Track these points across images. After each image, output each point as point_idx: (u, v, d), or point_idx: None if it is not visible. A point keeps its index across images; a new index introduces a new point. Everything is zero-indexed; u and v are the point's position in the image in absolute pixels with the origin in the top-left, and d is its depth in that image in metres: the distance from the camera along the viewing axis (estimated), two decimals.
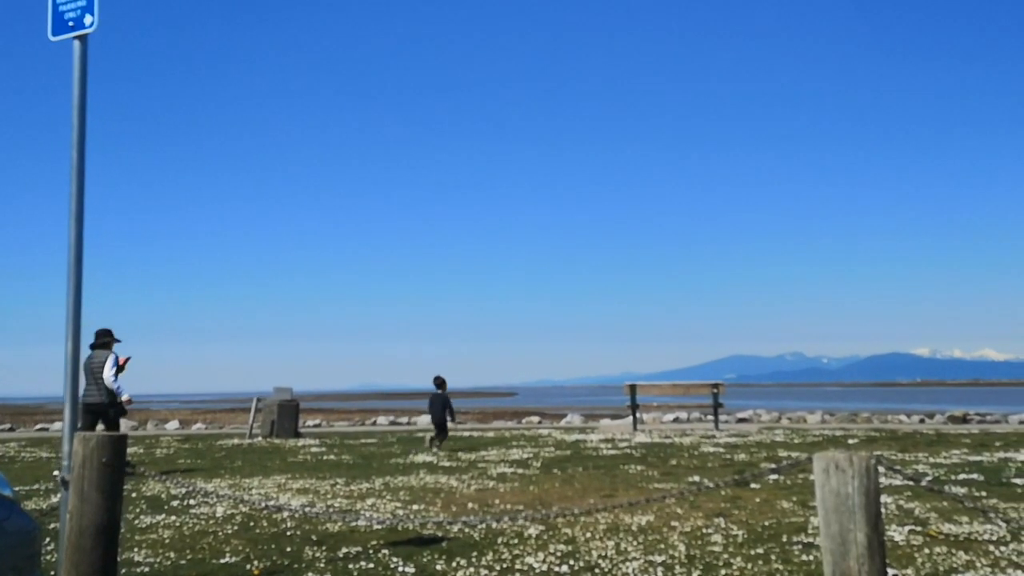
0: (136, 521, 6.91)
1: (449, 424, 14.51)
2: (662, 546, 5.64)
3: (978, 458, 11.01)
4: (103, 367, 9.85)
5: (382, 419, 24.58)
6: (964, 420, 20.87)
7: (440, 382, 14.46)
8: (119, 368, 9.93)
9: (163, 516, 7.11)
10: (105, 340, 10.14)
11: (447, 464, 11.23)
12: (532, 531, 6.16)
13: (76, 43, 4.74)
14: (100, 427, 9.78)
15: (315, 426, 23.16)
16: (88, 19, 4.65)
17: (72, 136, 4.66)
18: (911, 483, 8.41)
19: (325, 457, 12.64)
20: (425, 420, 23.81)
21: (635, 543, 5.74)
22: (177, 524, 6.74)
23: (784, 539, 5.79)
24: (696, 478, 9.34)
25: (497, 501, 7.76)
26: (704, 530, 6.14)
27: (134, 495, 8.33)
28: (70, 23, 4.71)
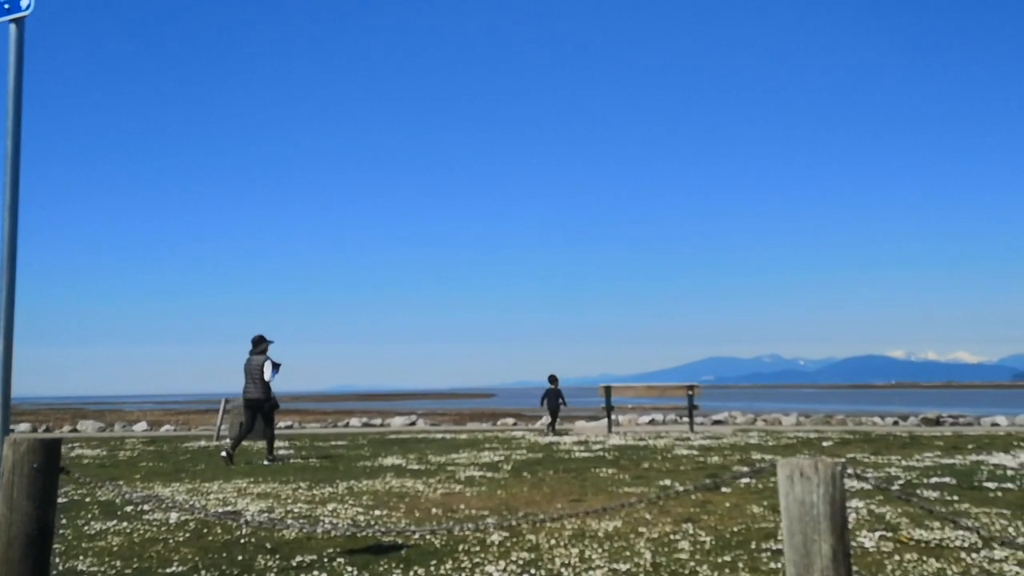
0: (86, 527, 6.65)
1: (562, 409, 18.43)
2: (628, 553, 5.47)
3: (951, 461, 10.95)
4: (261, 368, 12.00)
5: (355, 421, 24.30)
6: (937, 422, 20.89)
7: (553, 379, 18.35)
8: (276, 369, 12.10)
9: (114, 522, 6.85)
10: (262, 347, 12.23)
11: (415, 467, 11.02)
12: (495, 538, 5.97)
13: (12, 27, 4.51)
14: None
15: (286, 427, 22.86)
16: (24, 1, 4.42)
17: (7, 124, 4.42)
18: (883, 486, 8.32)
19: (292, 460, 12.39)
20: (398, 422, 23.63)
21: (600, 550, 5.57)
22: (128, 531, 6.49)
23: (753, 546, 5.64)
24: (667, 482, 9.19)
25: (462, 506, 7.56)
26: (672, 536, 5.98)
27: (87, 500, 8.07)
28: (5, 5, 4.47)
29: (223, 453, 11.77)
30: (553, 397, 18.15)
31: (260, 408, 12.19)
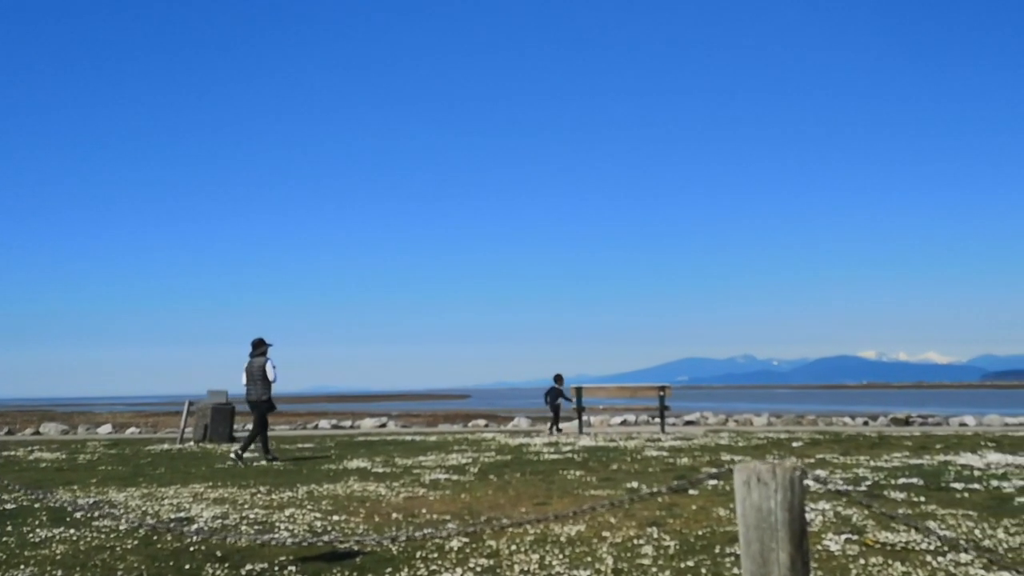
0: (30, 535, 6.42)
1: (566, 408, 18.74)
2: (589, 559, 5.33)
3: (919, 461, 10.92)
4: (262, 369, 12.47)
5: (324, 423, 23.99)
6: (907, 422, 20.97)
7: (557, 378, 18.71)
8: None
9: (61, 529, 6.61)
10: (262, 349, 12.63)
11: (380, 470, 10.82)
12: (455, 544, 5.80)
13: None
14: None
15: None
16: None
17: None
18: (849, 489, 8.24)
19: (255, 463, 12.14)
20: (369, 424, 23.39)
21: (561, 556, 5.42)
22: (75, 538, 6.26)
23: (717, 550, 5.51)
24: (635, 484, 9.07)
25: (424, 511, 7.39)
26: (636, 541, 5.84)
27: (36, 506, 7.81)
28: None
29: (264, 462, 12.14)
30: (555, 396, 18.48)
31: (259, 408, 12.60)
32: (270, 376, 12.43)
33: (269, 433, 13.19)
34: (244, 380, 12.62)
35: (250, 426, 13.85)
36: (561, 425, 18.81)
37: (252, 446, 12.52)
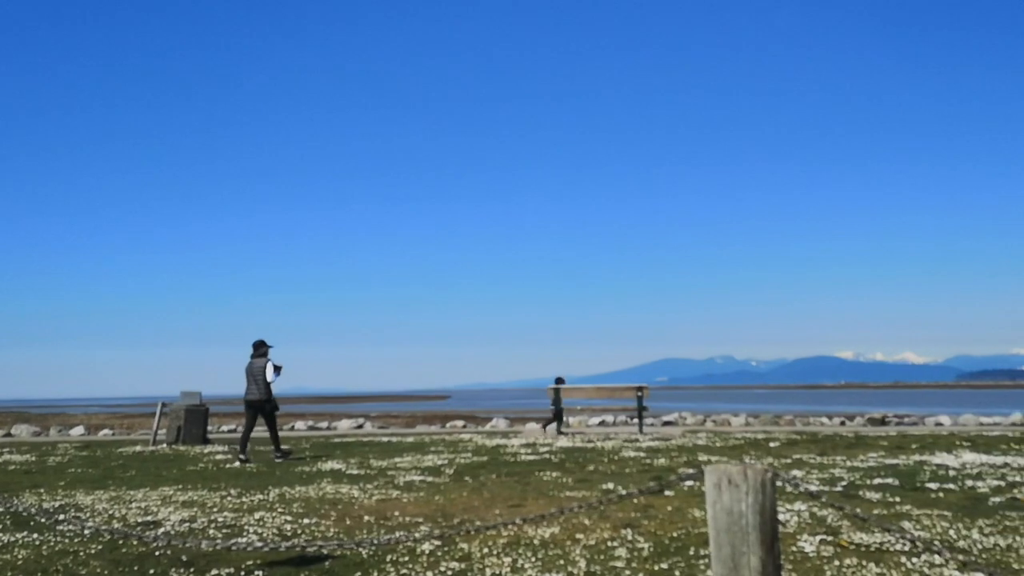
0: None
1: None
2: (562, 562, 5.26)
3: (894, 461, 10.93)
4: (263, 371, 12.70)
5: (300, 424, 23.78)
6: (883, 422, 21.07)
7: (559, 380, 18.93)
8: (277, 372, 12.79)
9: (24, 534, 6.45)
10: (263, 351, 12.90)
11: (354, 472, 10.70)
12: (426, 547, 5.71)
13: None
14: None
15: (229, 431, 22.31)
16: None
17: None
18: (824, 489, 8.22)
19: (228, 465, 11.98)
20: (345, 425, 23.23)
21: (534, 559, 5.34)
22: (37, 543, 6.11)
23: (691, 552, 5.45)
24: (611, 485, 9.00)
25: (397, 513, 7.28)
26: (610, 543, 5.77)
27: (0, 509, 7.63)
28: None
29: (237, 462, 12.25)
30: (557, 397, 18.80)
31: (261, 409, 12.86)
32: (268, 376, 12.72)
33: (253, 435, 13.23)
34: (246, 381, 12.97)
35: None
36: (539, 426, 18.73)
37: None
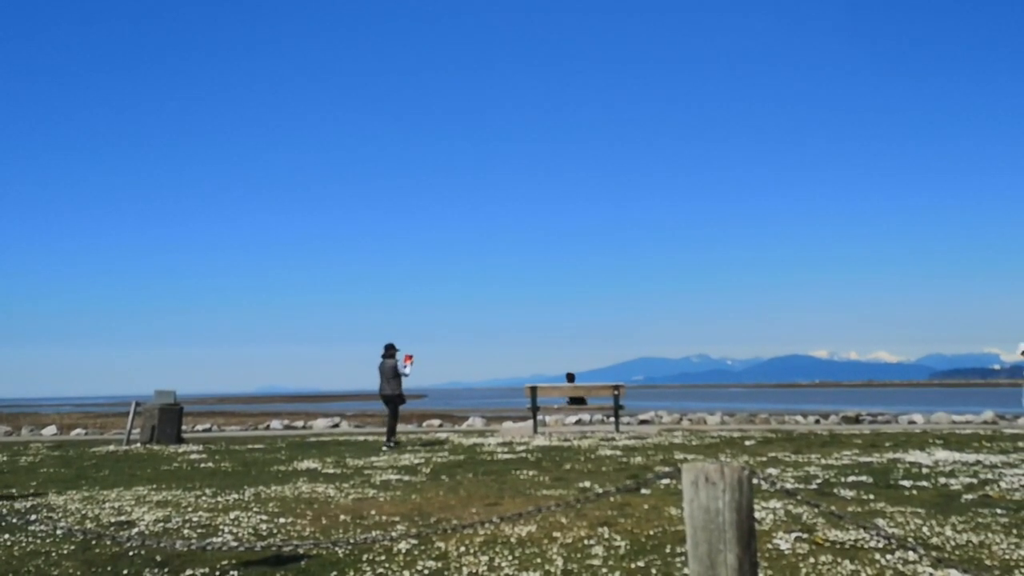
0: None
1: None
2: (539, 560, 5.26)
3: (868, 459, 11.03)
4: (394, 369, 15.20)
5: (276, 423, 23.63)
6: (857, 420, 21.27)
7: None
8: (407, 363, 15.40)
9: None
10: (391, 352, 15.38)
11: (331, 471, 10.65)
12: (403, 546, 5.69)
13: None
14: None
15: (204, 431, 22.13)
16: None
17: None
18: (800, 487, 8.28)
19: (203, 464, 11.88)
20: (321, 424, 23.12)
21: (511, 558, 5.34)
22: (8, 544, 6.03)
23: (668, 550, 5.47)
24: (587, 483, 9.02)
25: (373, 512, 7.25)
26: (586, 541, 5.78)
27: None
28: None
29: (383, 448, 14.10)
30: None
31: (393, 402, 15.18)
32: (403, 371, 15.23)
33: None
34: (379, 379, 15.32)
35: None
36: (516, 425, 18.73)
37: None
